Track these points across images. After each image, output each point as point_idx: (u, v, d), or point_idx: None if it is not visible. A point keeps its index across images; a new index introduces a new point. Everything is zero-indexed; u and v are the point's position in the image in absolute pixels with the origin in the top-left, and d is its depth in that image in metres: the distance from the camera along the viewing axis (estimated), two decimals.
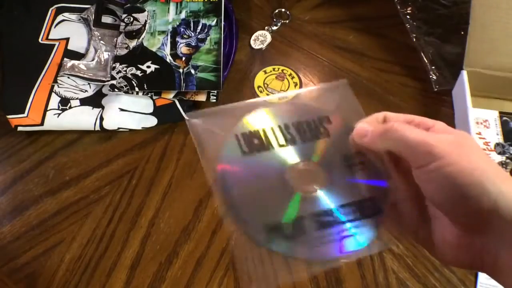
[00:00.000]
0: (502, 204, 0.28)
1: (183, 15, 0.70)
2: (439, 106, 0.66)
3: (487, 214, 0.29)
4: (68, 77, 0.66)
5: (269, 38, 0.74)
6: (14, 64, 0.68)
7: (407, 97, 0.68)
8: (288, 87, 0.69)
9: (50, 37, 0.70)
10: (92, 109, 0.64)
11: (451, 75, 0.66)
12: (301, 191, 0.34)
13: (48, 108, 0.63)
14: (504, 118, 0.62)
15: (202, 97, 0.64)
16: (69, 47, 0.69)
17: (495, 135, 0.61)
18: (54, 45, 0.69)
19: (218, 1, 0.71)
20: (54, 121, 0.63)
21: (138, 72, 0.64)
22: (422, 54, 0.69)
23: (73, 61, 0.67)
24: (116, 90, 0.63)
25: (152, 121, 0.64)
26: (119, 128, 0.64)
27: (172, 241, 0.56)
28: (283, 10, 0.77)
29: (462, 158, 0.29)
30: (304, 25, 0.76)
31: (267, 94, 0.68)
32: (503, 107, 0.64)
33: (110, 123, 0.63)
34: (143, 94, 0.64)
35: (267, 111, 0.38)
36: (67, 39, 0.70)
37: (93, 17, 0.71)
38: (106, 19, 0.72)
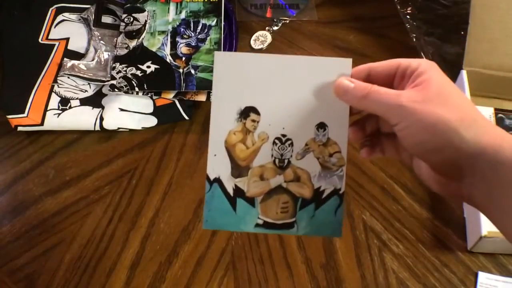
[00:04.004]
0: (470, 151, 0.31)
1: (183, 15, 0.70)
2: None
3: (454, 163, 0.32)
4: (68, 77, 0.66)
5: (269, 39, 0.74)
6: (14, 64, 0.68)
7: None
8: None
9: (50, 37, 0.70)
10: (92, 109, 0.64)
11: (451, 75, 0.66)
12: None
13: (48, 108, 0.63)
14: (500, 115, 0.62)
15: (202, 97, 0.64)
16: (69, 47, 0.69)
17: None
18: (54, 45, 0.69)
19: (218, 1, 0.71)
20: (54, 121, 0.63)
21: (138, 72, 0.64)
22: (422, 54, 0.69)
23: (73, 61, 0.67)
24: (116, 90, 0.63)
25: (152, 121, 0.64)
26: (119, 128, 0.64)
27: (172, 241, 0.56)
28: None
29: (427, 113, 0.32)
30: (304, 25, 0.76)
31: None
32: (502, 106, 0.64)
33: (110, 123, 0.63)
34: (143, 94, 0.64)
35: None
36: (67, 39, 0.70)
37: (93, 17, 0.71)
38: (106, 19, 0.72)
